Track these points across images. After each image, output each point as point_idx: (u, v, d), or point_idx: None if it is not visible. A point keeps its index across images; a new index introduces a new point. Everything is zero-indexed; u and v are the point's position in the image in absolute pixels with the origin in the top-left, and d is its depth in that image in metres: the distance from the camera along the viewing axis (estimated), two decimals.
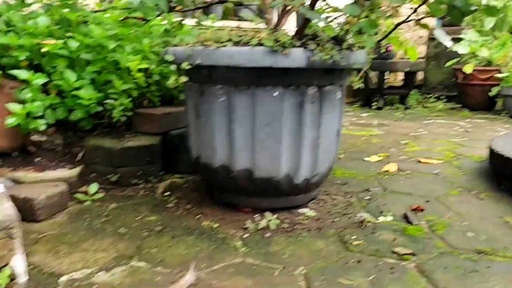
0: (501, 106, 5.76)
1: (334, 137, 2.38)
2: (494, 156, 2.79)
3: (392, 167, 3.10)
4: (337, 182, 2.82)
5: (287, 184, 2.23)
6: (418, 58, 7.41)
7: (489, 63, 5.77)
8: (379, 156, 3.45)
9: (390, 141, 4.07)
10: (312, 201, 2.44)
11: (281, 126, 2.14)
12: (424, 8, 2.27)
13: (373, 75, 6.22)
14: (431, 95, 6.64)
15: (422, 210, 2.33)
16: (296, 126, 2.16)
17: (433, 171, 3.05)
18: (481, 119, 5.36)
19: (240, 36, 2.19)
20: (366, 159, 3.40)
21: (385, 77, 6.75)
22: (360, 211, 2.28)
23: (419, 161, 3.31)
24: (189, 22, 3.61)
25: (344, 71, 2.24)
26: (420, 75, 7.22)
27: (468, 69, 5.61)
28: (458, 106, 6.20)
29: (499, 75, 5.50)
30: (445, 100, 6.50)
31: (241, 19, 4.82)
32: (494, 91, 5.60)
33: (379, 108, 6.19)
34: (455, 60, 5.96)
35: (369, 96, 6.49)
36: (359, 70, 2.40)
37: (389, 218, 2.21)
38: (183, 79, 2.21)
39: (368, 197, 2.54)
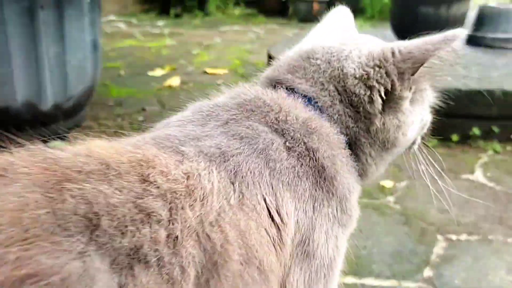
0: (292, 11, 5.99)
1: (89, 52, 1.97)
2: (270, 59, 2.78)
3: (175, 81, 2.87)
4: (111, 103, 2.48)
5: (29, 112, 1.79)
6: None
7: None
8: (165, 70, 3.17)
9: (181, 52, 3.82)
10: (76, 129, 2.06)
11: (8, 41, 1.64)
12: None
13: None
14: (230, 0, 6.51)
15: None
16: (29, 39, 1.68)
17: (217, 82, 2.93)
18: (274, 24, 5.49)
19: None
20: (151, 73, 3.09)
21: None
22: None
23: (206, 72, 3.16)
24: None
25: None
26: None
27: None
28: (254, 12, 6.24)
29: None
30: (244, 6, 6.47)
31: None
32: None
33: (177, 16, 5.82)
34: None
35: (167, 3, 6.01)
36: None
37: None
38: None
39: (143, 118, 2.28)
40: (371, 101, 0.65)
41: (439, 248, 1.33)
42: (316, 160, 0.59)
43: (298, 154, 0.58)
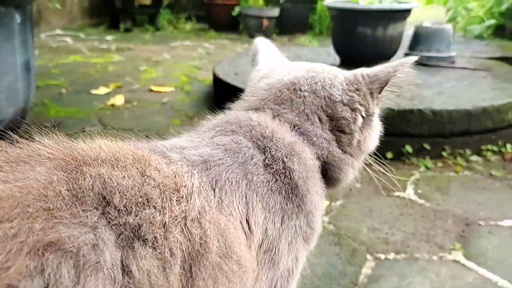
0: (242, 27, 6.05)
1: (20, 73, 1.90)
2: (215, 80, 2.79)
3: (118, 99, 2.81)
4: (48, 124, 2.39)
5: None
6: None
7: None
8: (110, 87, 3.11)
9: (129, 68, 3.76)
10: None
11: None
12: None
13: None
14: (182, 15, 6.50)
15: None
16: None
17: (162, 100, 2.91)
18: (225, 39, 5.52)
19: None
20: (94, 91, 3.02)
21: None
22: None
23: (151, 90, 3.12)
24: None
25: None
26: None
27: None
28: (206, 27, 6.25)
29: None
30: (195, 20, 6.47)
31: None
32: (236, 11, 5.78)
33: (127, 30, 5.73)
34: None
35: (116, 17, 5.92)
36: None
37: None
38: None
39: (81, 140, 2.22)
40: (355, 121, 0.78)
41: (367, 268, 1.36)
42: (291, 179, 0.68)
43: (274, 171, 0.67)
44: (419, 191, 1.83)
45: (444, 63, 2.88)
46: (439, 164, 2.06)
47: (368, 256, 1.41)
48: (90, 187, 0.48)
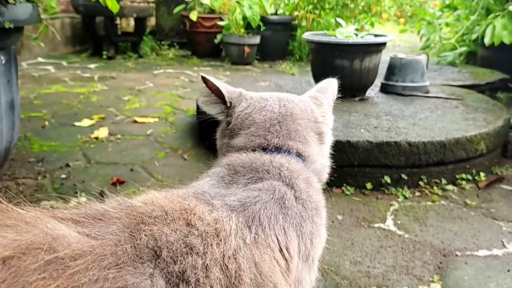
0: (225, 54, 6.15)
1: (4, 113, 1.92)
2: (199, 112, 2.84)
3: (102, 132, 2.84)
4: (32, 159, 2.39)
5: None
6: (148, 3, 7.17)
7: (212, 10, 5.99)
8: (93, 119, 3.13)
9: (112, 98, 3.79)
10: None
11: None
12: None
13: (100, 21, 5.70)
14: (164, 42, 6.58)
15: (123, 182, 2.18)
16: None
17: (146, 132, 2.94)
18: (207, 66, 5.61)
19: None
20: (77, 123, 3.03)
21: (116, 23, 6.31)
22: (51, 196, 1.95)
23: (135, 121, 3.15)
24: None
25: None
26: (152, 21, 7.05)
27: (193, 16, 5.70)
28: (188, 54, 6.34)
29: (221, 23, 5.79)
30: (178, 47, 6.55)
31: None
32: (218, 38, 5.89)
33: (110, 58, 5.77)
34: (181, 7, 5.97)
35: (99, 44, 5.96)
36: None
37: (83, 200, 1.97)
38: None
39: (65, 175, 2.23)
40: (327, 130, 1.02)
41: None
42: (313, 203, 0.85)
43: (302, 202, 0.82)
44: (398, 221, 1.90)
45: (419, 92, 3.00)
46: (417, 194, 2.14)
47: None
48: (145, 244, 0.60)
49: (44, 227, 0.57)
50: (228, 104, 1.00)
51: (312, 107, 1.01)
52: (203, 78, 1.01)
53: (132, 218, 0.64)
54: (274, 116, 0.94)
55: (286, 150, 0.91)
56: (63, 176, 2.22)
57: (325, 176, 1.01)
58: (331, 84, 1.11)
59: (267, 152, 0.90)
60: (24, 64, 5.15)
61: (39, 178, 2.18)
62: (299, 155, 0.92)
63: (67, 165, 2.35)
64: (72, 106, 3.50)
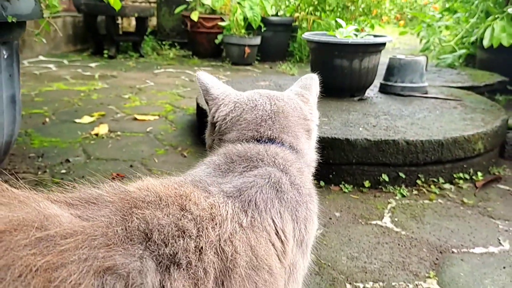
0: (225, 54, 6.17)
1: (6, 107, 1.94)
2: (199, 110, 2.85)
3: (102, 129, 2.85)
4: (32, 155, 2.41)
5: None
6: (150, 3, 7.20)
7: (213, 11, 6.01)
8: (93, 116, 3.14)
9: (112, 96, 3.80)
10: None
11: None
12: None
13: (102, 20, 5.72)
14: (165, 42, 6.60)
15: (122, 177, 2.19)
16: None
17: (146, 129, 2.95)
18: (208, 66, 5.63)
19: None
20: (78, 120, 3.05)
21: (118, 22, 6.34)
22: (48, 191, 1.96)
23: (135, 118, 3.17)
24: None
25: (2, 25, 1.78)
26: (153, 21, 7.07)
27: (194, 16, 5.72)
28: (189, 54, 6.35)
29: (222, 24, 5.81)
30: (179, 47, 6.57)
31: None
32: (219, 39, 5.91)
33: (111, 57, 5.79)
34: (182, 7, 5.99)
35: (100, 44, 5.98)
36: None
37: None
38: None
39: (65, 170, 2.24)
40: (314, 127, 1.05)
41: None
42: (307, 189, 0.87)
43: (297, 187, 0.84)
44: (396, 219, 1.91)
45: (417, 93, 3.02)
46: (414, 192, 2.15)
47: (348, 286, 1.47)
48: (137, 227, 0.61)
49: (37, 206, 0.58)
50: (210, 106, 1.02)
51: (301, 105, 1.03)
52: (197, 77, 1.03)
53: (125, 202, 0.64)
54: (266, 113, 0.97)
55: (279, 142, 0.94)
56: (63, 171, 2.24)
57: (313, 170, 1.04)
58: (314, 81, 1.13)
59: (261, 143, 0.92)
60: (26, 62, 5.17)
61: (39, 173, 2.20)
62: (291, 147, 0.95)
63: (67, 161, 2.36)
64: (73, 103, 3.52)
